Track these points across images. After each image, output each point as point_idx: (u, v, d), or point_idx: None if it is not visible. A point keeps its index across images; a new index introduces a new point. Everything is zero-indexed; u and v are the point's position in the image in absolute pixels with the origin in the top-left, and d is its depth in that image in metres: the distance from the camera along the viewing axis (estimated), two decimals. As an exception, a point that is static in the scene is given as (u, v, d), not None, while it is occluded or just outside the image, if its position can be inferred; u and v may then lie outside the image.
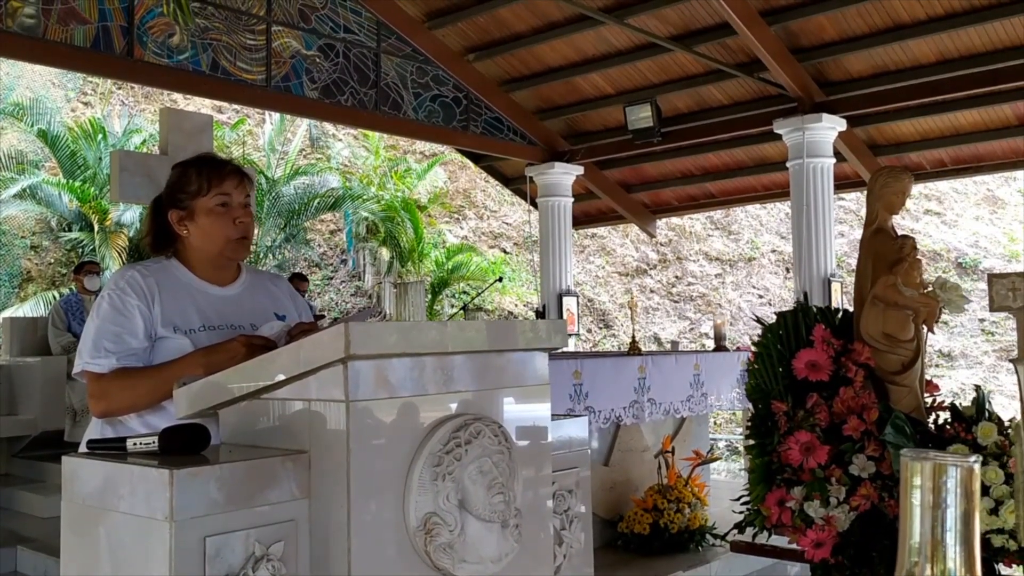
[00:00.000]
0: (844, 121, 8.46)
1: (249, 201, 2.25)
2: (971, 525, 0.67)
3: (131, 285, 2.12)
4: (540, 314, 10.56)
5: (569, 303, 10.52)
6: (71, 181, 12.90)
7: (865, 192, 2.91)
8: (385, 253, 15.70)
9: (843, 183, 9.61)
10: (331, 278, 16.68)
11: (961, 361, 14.18)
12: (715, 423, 12.82)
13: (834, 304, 7.53)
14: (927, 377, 2.73)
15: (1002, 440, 2.46)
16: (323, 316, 3.01)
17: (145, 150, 13.06)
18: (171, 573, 1.32)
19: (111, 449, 1.58)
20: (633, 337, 5.91)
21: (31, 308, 12.70)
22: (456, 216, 18.10)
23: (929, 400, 2.69)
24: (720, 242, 17.65)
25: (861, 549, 2.49)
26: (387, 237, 15.54)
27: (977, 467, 0.69)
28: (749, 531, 2.72)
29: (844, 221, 16.14)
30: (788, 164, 8.62)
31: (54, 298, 11.97)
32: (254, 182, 2.48)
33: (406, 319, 13.79)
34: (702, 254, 17.49)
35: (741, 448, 10.33)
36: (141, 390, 2.07)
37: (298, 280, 9.44)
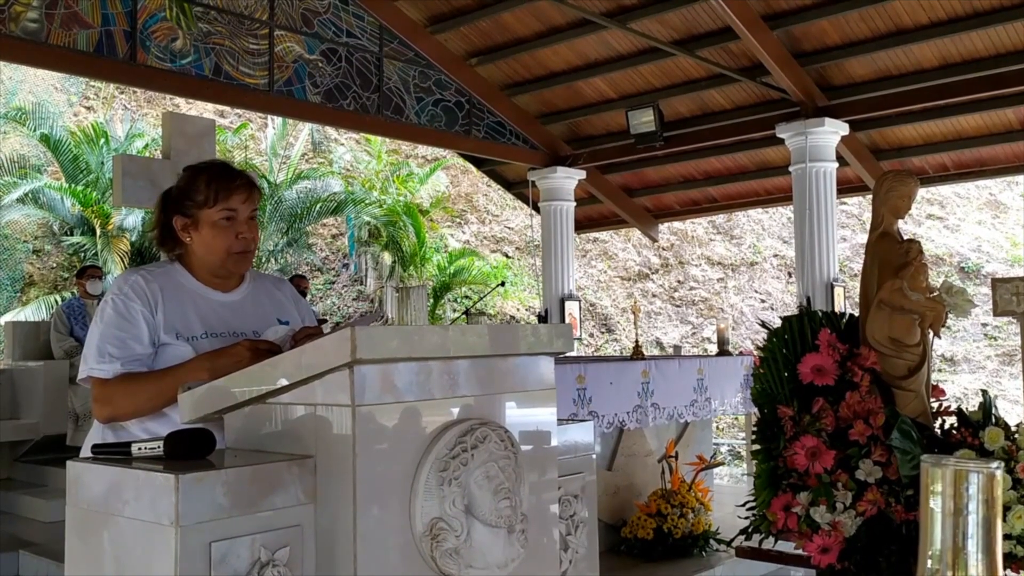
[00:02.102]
0: (847, 125, 8.46)
1: (255, 214, 2.24)
2: (993, 532, 0.66)
3: (135, 290, 2.11)
4: (542, 318, 10.55)
5: (571, 307, 10.51)
6: (73, 185, 12.90)
7: (868, 196, 2.91)
8: (387, 257, 15.69)
9: (845, 187, 9.62)
10: (333, 282, 16.67)
11: (964, 365, 14.15)
12: (718, 428, 12.79)
13: (837, 309, 7.52)
14: (932, 382, 2.72)
15: (1009, 445, 2.45)
16: (325, 320, 3.00)
17: (147, 154, 13.07)
18: (176, 579, 1.31)
19: (116, 454, 1.57)
20: (636, 341, 5.90)
21: (33, 312, 12.69)
22: (458, 220, 18.10)
23: (935, 405, 2.68)
24: (722, 246, 17.63)
25: (868, 554, 2.48)
26: (389, 241, 15.53)
27: (999, 473, 0.68)
28: (755, 536, 2.71)
29: (846, 225, 16.13)
30: (790, 168, 8.62)
31: (56, 302, 11.98)
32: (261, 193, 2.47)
33: (408, 324, 13.77)
34: (704, 258, 17.47)
35: (744, 453, 10.30)
36: (145, 395, 2.06)
37: (297, 279, 9.46)
